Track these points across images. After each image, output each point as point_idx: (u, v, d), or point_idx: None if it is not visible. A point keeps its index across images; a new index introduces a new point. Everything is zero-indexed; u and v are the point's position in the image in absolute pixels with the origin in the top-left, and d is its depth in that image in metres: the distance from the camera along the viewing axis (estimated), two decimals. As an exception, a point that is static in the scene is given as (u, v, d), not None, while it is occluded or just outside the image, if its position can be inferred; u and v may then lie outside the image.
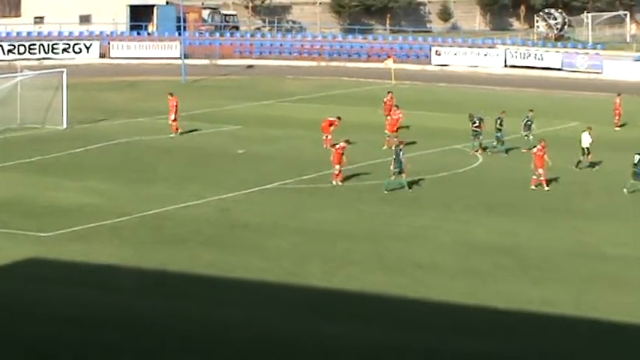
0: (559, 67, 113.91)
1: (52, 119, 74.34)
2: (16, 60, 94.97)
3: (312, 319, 38.17)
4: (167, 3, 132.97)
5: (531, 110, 72.89)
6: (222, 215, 53.27)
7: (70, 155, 67.07)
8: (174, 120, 73.74)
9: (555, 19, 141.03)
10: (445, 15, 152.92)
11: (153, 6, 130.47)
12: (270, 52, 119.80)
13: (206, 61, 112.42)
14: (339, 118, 71.17)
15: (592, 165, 66.43)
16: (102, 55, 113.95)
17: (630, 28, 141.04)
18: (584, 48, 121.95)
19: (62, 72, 77.72)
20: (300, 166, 64.39)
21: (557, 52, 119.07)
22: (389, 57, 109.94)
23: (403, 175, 59.38)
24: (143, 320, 37.56)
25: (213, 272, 43.16)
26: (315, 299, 40.80)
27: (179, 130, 73.85)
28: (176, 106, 73.95)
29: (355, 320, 38.01)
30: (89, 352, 33.98)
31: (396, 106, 74.37)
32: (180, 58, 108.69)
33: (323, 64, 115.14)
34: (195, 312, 38.46)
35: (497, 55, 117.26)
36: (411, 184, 59.96)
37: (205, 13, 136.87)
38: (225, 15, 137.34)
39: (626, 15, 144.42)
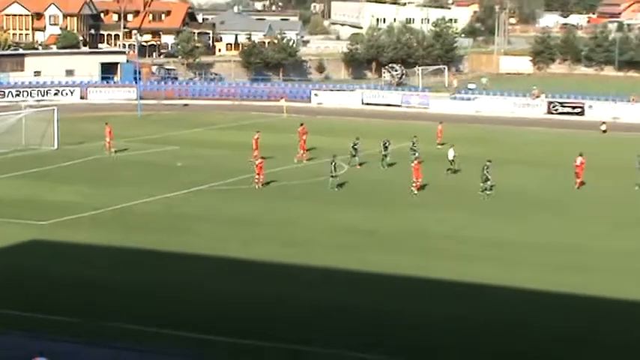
0: (399, 103, 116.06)
1: (47, 142, 76.77)
2: (21, 101, 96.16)
3: (228, 279, 41.84)
4: (127, 61, 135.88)
5: (415, 136, 75.21)
6: (167, 208, 56.19)
7: (59, 168, 69.63)
8: (109, 142, 75.61)
9: (396, 70, 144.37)
10: (321, 68, 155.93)
11: (117, 63, 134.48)
12: (199, 95, 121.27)
13: (155, 101, 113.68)
14: (258, 131, 74.30)
15: (455, 172, 68.81)
16: (82, 97, 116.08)
17: (447, 77, 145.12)
18: (417, 90, 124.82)
19: (54, 109, 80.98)
20: (223, 174, 66.65)
21: (398, 93, 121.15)
22: (282, 97, 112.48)
23: (337, 179, 63.09)
24: (110, 283, 40.74)
25: (161, 248, 46.19)
26: (232, 265, 44.07)
27: (113, 149, 75.50)
28: (110, 132, 75.70)
29: (254, 280, 41.64)
30: (77, 305, 37.54)
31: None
32: (137, 99, 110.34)
33: (237, 102, 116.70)
34: (149, 277, 42.09)
35: (356, 95, 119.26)
36: (340, 185, 63.71)
37: (154, 68, 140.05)
38: (168, 69, 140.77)
39: (444, 68, 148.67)
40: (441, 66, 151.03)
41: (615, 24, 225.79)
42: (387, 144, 72.32)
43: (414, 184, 61.51)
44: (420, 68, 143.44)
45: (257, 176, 62.59)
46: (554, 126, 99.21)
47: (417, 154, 70.48)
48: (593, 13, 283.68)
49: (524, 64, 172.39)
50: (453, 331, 35.77)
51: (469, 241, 49.71)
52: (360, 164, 71.54)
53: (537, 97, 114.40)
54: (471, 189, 62.38)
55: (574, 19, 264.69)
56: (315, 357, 32.70)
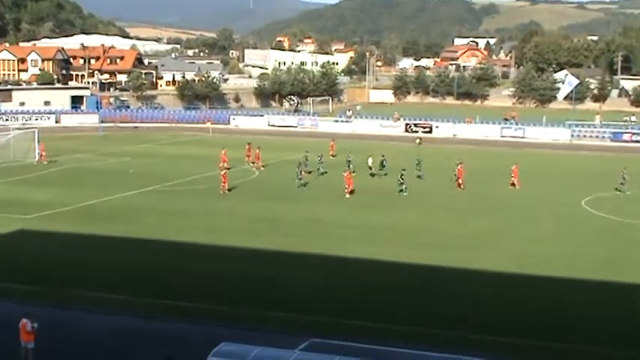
0: (296, 125, 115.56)
1: (29, 157, 75.62)
2: (9, 125, 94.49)
3: (165, 256, 41.89)
4: (91, 94, 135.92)
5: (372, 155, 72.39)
6: (123, 204, 55.83)
7: (40, 175, 68.89)
8: (42, 154, 74.82)
9: (293, 100, 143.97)
10: (237, 99, 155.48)
11: (83, 96, 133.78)
12: (146, 119, 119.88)
13: (112, 124, 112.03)
14: (224, 147, 72.96)
15: (372, 175, 68.34)
16: (56, 122, 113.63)
17: (331, 105, 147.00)
18: (309, 115, 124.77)
19: (35, 131, 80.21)
20: (164, 178, 66.03)
21: (295, 117, 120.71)
22: (208, 121, 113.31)
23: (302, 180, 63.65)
24: (77, 259, 41.06)
25: (118, 234, 46.12)
26: (170, 248, 43.59)
27: (46, 159, 74.47)
28: (43, 148, 75.32)
29: (185, 258, 41.82)
30: (53, 277, 37.94)
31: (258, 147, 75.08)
32: (99, 122, 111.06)
33: (174, 125, 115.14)
34: (107, 254, 42.19)
35: (264, 119, 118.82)
36: (305, 184, 64.01)
37: (112, 99, 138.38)
38: (122, 100, 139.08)
39: (329, 98, 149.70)
40: (326, 97, 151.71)
41: (454, 66, 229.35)
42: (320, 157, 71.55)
43: (346, 190, 59.92)
44: (311, 99, 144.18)
45: (222, 184, 60.60)
46: (410, 141, 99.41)
47: (350, 166, 68.90)
48: (438, 58, 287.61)
49: (387, 96, 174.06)
50: (339, 295, 35.94)
51: (349, 227, 49.65)
52: (309, 172, 69.79)
53: (397, 119, 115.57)
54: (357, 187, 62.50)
55: (424, 62, 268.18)
56: (228, 313, 32.53)
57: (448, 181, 65.55)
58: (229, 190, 60.53)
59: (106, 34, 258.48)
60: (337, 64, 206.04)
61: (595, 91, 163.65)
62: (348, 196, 59.40)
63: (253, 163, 74.84)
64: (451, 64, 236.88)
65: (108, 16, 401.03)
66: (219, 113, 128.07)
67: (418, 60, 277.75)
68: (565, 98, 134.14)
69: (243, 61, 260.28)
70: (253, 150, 76.12)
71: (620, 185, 63.97)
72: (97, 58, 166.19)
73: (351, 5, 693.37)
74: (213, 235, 46.44)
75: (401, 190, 61.10)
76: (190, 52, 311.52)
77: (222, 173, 61.97)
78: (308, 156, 71.85)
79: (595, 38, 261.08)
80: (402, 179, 61.37)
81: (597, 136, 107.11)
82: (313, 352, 25.22)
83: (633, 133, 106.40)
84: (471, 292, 36.37)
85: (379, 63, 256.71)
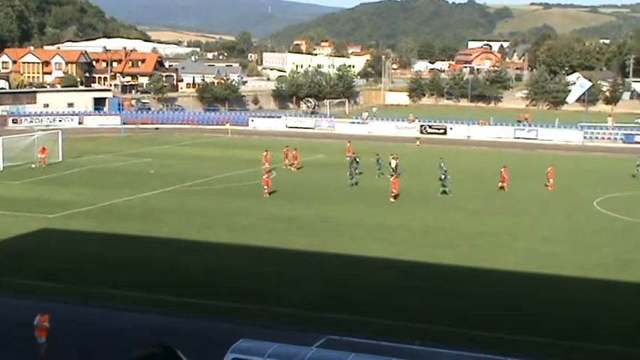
0: (313, 126, 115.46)
1: (54, 157, 75.70)
2: (34, 126, 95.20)
3: (186, 255, 42.07)
4: (113, 96, 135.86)
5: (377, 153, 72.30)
6: (144, 204, 55.93)
7: (63, 175, 69.06)
8: (43, 157, 73.31)
9: (311, 102, 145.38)
10: (256, 101, 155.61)
11: (106, 98, 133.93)
12: (167, 121, 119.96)
13: (134, 126, 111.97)
14: (266, 150, 72.53)
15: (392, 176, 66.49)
16: (80, 123, 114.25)
17: (347, 107, 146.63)
18: (326, 117, 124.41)
19: (59, 132, 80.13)
20: (184, 178, 66.22)
21: (312, 119, 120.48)
22: (227, 123, 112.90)
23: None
24: (100, 257, 41.42)
25: (139, 233, 46.30)
26: (192, 247, 43.82)
27: (46, 162, 73.08)
28: (44, 149, 73.78)
29: (204, 256, 42.50)
30: (71, 276, 37.88)
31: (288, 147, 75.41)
32: (120, 124, 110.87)
33: (194, 126, 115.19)
34: (129, 253, 42.73)
35: (282, 121, 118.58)
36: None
37: (133, 101, 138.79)
38: (143, 102, 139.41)
39: (345, 100, 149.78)
40: (342, 99, 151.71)
41: (468, 68, 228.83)
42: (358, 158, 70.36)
43: (391, 195, 58.56)
44: (328, 101, 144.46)
45: (265, 187, 59.29)
46: (426, 142, 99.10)
47: (384, 170, 68.65)
48: (453, 60, 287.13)
49: (403, 98, 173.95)
50: (355, 292, 35.80)
51: (361, 226, 49.72)
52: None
53: (412, 121, 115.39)
54: (369, 188, 62.03)
55: (439, 64, 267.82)
56: (246, 311, 32.41)
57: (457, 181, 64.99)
58: (270, 193, 59.29)
59: (128, 38, 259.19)
60: (353, 66, 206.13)
61: (607, 94, 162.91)
62: (392, 200, 58.08)
63: (291, 164, 74.33)
64: (465, 67, 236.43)
65: (129, 20, 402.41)
66: (237, 115, 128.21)
67: (433, 63, 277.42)
68: (577, 100, 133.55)
69: (261, 64, 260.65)
70: (290, 152, 75.61)
71: None
72: (119, 61, 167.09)
73: (367, 9, 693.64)
74: (235, 234, 46.51)
75: (444, 192, 60.76)
76: (210, 55, 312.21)
77: (265, 177, 60.78)
78: (379, 158, 70.95)
79: (607, 41, 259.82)
80: (444, 180, 61.01)
81: (609, 138, 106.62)
82: (330, 348, 25.23)
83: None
84: (483, 291, 36.26)
85: (395, 66, 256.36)
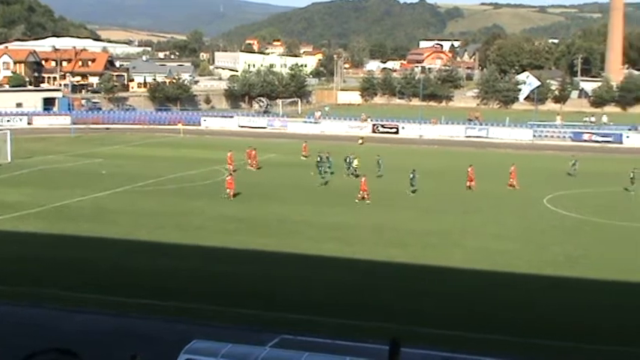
0: (265, 126, 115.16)
1: (2, 157, 75.29)
2: None
3: (136, 256, 42.10)
4: (63, 96, 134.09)
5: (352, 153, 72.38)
6: (95, 205, 55.27)
7: (13, 176, 68.17)
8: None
9: (263, 102, 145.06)
10: (208, 101, 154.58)
11: (55, 97, 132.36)
12: (118, 121, 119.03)
13: (84, 126, 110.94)
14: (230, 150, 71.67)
15: (357, 176, 64.92)
16: (29, 123, 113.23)
17: (300, 106, 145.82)
18: (278, 116, 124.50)
19: (7, 132, 79.58)
20: (137, 178, 65.93)
21: (264, 118, 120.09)
22: (179, 122, 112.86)
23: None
24: (56, 259, 41.16)
25: (89, 234, 45.75)
26: (143, 247, 43.59)
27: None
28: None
29: (155, 257, 42.27)
30: (20, 278, 38.25)
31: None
32: (70, 124, 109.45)
33: (145, 126, 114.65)
34: (78, 254, 42.42)
35: (234, 120, 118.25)
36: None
37: (83, 101, 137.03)
38: (94, 102, 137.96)
39: (298, 100, 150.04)
40: (295, 98, 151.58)
41: (420, 68, 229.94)
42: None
43: (360, 195, 57.94)
44: (280, 100, 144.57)
45: (228, 190, 58.48)
46: (377, 141, 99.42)
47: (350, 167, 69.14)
48: (404, 60, 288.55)
49: (355, 97, 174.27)
50: (309, 292, 35.74)
51: (317, 226, 49.73)
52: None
53: (365, 120, 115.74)
54: (328, 188, 62.17)
55: (391, 64, 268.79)
56: (199, 311, 32.26)
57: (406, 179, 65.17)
58: (234, 195, 58.55)
59: (78, 37, 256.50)
60: (306, 66, 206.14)
61: (556, 93, 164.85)
62: (357, 201, 57.65)
63: (251, 165, 74.24)
64: (417, 66, 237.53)
65: (79, 19, 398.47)
66: (190, 115, 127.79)
67: (385, 62, 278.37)
68: (527, 99, 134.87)
69: (213, 63, 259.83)
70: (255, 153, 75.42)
71: (631, 184, 63.78)
72: (69, 61, 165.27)
73: (318, 9, 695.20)
74: (187, 235, 46.33)
75: (413, 191, 61.11)
76: (161, 55, 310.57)
77: (228, 178, 60.14)
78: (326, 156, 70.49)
79: (556, 41, 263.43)
80: (412, 179, 61.33)
81: (558, 136, 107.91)
82: (284, 348, 25.17)
83: (593, 133, 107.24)
84: (435, 290, 36.43)
85: (347, 65, 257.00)
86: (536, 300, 34.98)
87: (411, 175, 61.47)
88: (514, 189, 64.25)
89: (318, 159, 69.76)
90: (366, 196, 57.52)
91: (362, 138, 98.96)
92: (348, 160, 71.14)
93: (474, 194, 62.04)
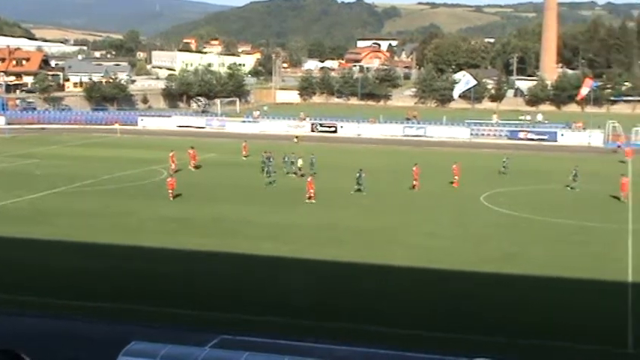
0: (204, 125, 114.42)
1: None
2: None
3: (73, 258, 41.62)
4: None
5: (312, 153, 72.00)
6: (31, 206, 54.80)
7: None
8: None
9: (201, 101, 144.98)
10: (145, 100, 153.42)
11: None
12: (54, 121, 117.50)
13: (19, 126, 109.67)
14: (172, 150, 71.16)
15: (302, 175, 65.73)
16: None
17: (238, 106, 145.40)
18: (216, 116, 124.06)
19: None
20: (74, 179, 65.20)
21: (203, 118, 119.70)
22: (116, 122, 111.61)
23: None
24: None
25: (25, 236, 45.08)
26: (80, 248, 43.10)
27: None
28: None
29: (93, 258, 41.93)
30: None
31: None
32: (4, 124, 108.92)
33: (82, 126, 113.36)
34: (14, 255, 42.15)
35: (172, 120, 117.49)
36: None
37: (18, 101, 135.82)
38: (29, 102, 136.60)
39: (236, 99, 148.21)
40: (233, 98, 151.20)
41: (358, 67, 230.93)
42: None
43: (308, 194, 57.94)
44: (219, 100, 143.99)
45: (170, 191, 57.91)
46: (316, 140, 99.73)
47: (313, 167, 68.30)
48: (343, 59, 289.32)
49: (293, 96, 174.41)
50: (251, 293, 35.56)
51: (255, 225, 49.63)
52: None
53: (303, 120, 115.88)
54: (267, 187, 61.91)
55: (329, 63, 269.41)
56: (137, 312, 32.06)
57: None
58: (175, 197, 58.03)
59: (12, 36, 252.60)
60: (244, 65, 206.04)
61: (492, 91, 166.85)
62: (307, 201, 57.65)
63: (192, 165, 73.64)
64: (355, 66, 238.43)
65: (13, 18, 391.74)
66: (127, 114, 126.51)
67: (323, 61, 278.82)
68: (464, 97, 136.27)
69: (150, 62, 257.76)
70: (194, 152, 74.83)
71: (572, 182, 64.74)
72: (3, 60, 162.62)
73: (256, 8, 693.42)
74: (125, 235, 45.96)
75: (359, 190, 61.00)
76: (97, 54, 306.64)
77: (169, 179, 59.48)
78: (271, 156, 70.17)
79: (492, 40, 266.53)
80: (360, 179, 61.18)
81: (495, 135, 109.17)
82: (223, 348, 25.15)
83: (528, 131, 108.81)
84: (372, 287, 36.61)
85: (285, 64, 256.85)
86: (472, 296, 35.38)
87: (358, 175, 61.68)
88: (456, 187, 64.66)
89: (264, 159, 69.81)
90: (312, 195, 57.51)
91: (297, 137, 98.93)
92: (287, 159, 71.21)
93: (416, 193, 62.44)
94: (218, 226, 49.29)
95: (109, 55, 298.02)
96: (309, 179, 59.35)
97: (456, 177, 65.67)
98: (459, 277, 38.69)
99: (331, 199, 58.68)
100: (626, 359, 28.19)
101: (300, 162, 69.70)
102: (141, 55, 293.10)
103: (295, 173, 68.92)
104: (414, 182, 63.94)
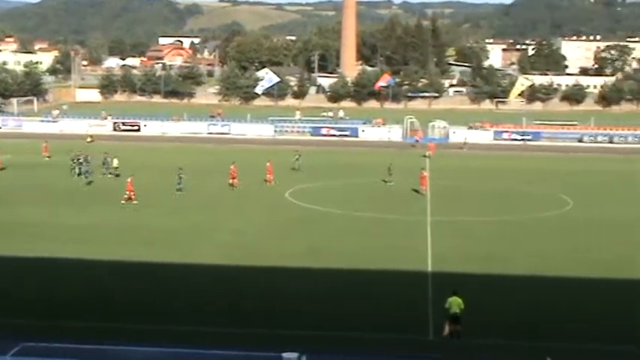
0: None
1: None
2: None
3: None
4: None
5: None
6: None
7: None
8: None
9: None
10: None
11: None
12: None
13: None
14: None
15: (117, 175, 64.95)
16: None
17: (36, 105, 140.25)
18: (13, 115, 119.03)
19: None
20: None
21: None
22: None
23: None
24: None
25: None
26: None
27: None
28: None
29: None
30: None
31: None
32: None
33: None
34: None
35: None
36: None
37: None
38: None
39: (34, 98, 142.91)
40: (30, 97, 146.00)
41: (160, 64, 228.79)
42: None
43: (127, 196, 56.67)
44: (15, 99, 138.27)
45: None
46: (120, 139, 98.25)
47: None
48: (145, 57, 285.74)
49: (94, 95, 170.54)
50: (53, 296, 34.59)
51: (59, 227, 48.43)
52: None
53: (105, 118, 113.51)
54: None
55: (130, 61, 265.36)
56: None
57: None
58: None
59: None
60: (41, 63, 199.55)
61: (295, 88, 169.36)
62: (125, 202, 56.39)
63: None
64: (157, 63, 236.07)
65: None
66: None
67: (124, 59, 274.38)
68: (267, 95, 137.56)
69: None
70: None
71: (389, 177, 66.56)
72: None
73: (53, 4, 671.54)
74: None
75: (179, 189, 60.49)
76: None
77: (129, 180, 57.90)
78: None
79: (294, 38, 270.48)
80: (180, 178, 60.70)
81: (298, 131, 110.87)
82: (26, 356, 24.37)
83: (331, 128, 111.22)
84: (180, 286, 36.61)
85: (85, 62, 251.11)
86: (279, 291, 35.94)
87: (178, 175, 61.21)
88: (270, 184, 65.17)
89: (77, 160, 68.25)
90: (132, 196, 56.53)
91: (91, 136, 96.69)
92: (107, 160, 69.88)
93: (232, 191, 62.70)
94: (19, 229, 47.66)
95: None
96: (128, 180, 58.17)
97: (269, 175, 66.02)
98: (265, 271, 39.19)
99: (148, 200, 57.63)
100: (427, 346, 29.24)
101: (115, 162, 68.42)
102: None
103: (111, 174, 67.75)
104: (232, 180, 63.82)
